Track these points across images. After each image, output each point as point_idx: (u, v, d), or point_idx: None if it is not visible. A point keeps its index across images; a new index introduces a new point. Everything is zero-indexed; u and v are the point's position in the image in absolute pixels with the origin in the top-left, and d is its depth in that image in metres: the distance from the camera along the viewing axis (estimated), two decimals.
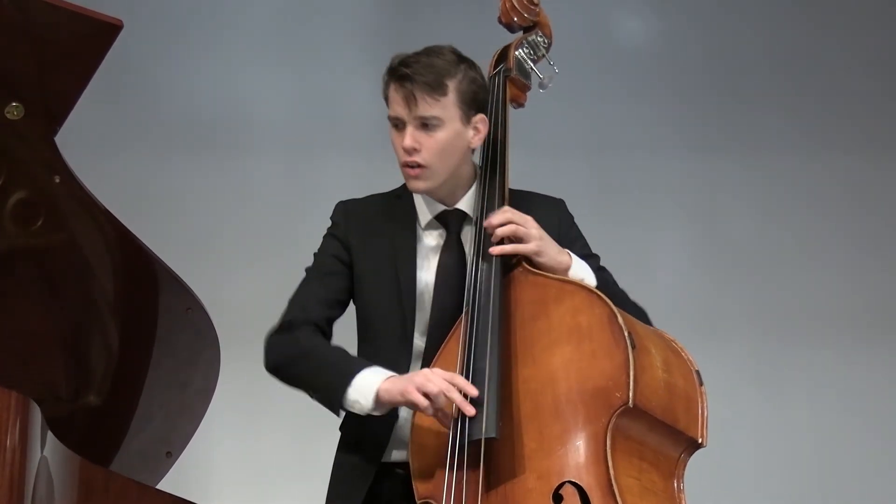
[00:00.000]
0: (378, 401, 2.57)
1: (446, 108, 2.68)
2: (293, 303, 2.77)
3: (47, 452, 2.47)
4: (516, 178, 2.84)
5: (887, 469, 4.79)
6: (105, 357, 3.04)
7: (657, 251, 4.92)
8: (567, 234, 2.79)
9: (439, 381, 2.50)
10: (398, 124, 2.71)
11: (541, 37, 2.95)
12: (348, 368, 2.61)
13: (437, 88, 2.66)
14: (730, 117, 5.02)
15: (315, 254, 2.84)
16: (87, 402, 3.01)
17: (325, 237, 2.85)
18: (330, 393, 2.62)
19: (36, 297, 2.92)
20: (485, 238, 2.68)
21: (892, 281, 4.94)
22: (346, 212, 2.84)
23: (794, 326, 4.88)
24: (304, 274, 2.83)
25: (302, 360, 2.68)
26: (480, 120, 2.74)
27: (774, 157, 5.00)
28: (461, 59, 2.73)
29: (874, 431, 4.83)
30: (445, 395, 2.49)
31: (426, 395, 2.50)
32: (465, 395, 2.49)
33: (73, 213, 2.85)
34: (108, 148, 4.67)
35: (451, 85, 2.68)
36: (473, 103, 2.72)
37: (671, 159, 4.98)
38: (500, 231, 2.66)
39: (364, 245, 2.79)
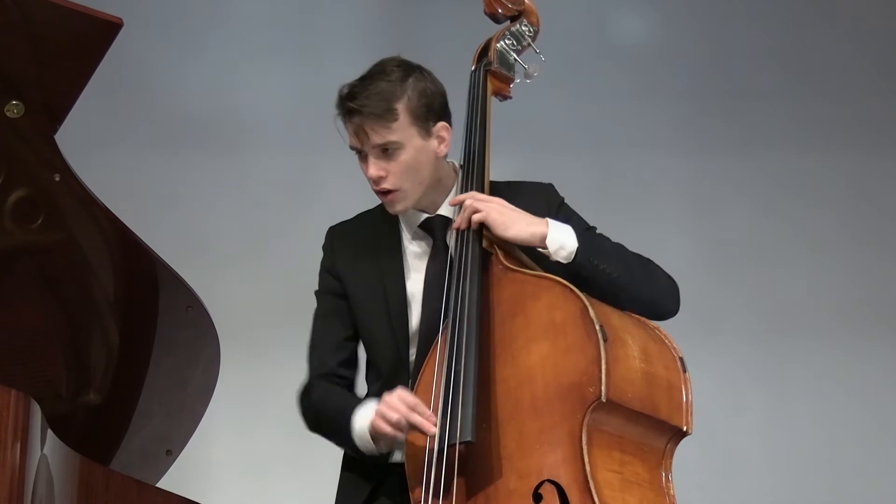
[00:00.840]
0: (376, 441, 2.61)
1: (400, 130, 2.64)
2: (309, 358, 2.80)
3: (47, 451, 2.47)
4: (515, 176, 2.83)
5: (890, 465, 4.79)
6: (105, 355, 3.04)
7: (658, 249, 4.86)
8: (556, 215, 2.72)
9: (398, 408, 2.51)
10: (360, 155, 2.69)
11: (526, 26, 2.86)
12: (346, 418, 2.64)
13: (386, 115, 2.62)
14: (731, 115, 5.01)
15: (315, 292, 2.85)
16: (87, 400, 3.01)
17: (319, 272, 2.85)
18: (350, 447, 2.68)
19: (36, 296, 2.92)
20: (464, 243, 2.65)
21: (894, 277, 4.93)
22: (333, 239, 2.85)
23: (797, 323, 4.88)
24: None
25: (320, 423, 2.76)
26: (442, 128, 2.70)
27: (775, 154, 4.99)
28: (408, 72, 2.68)
29: (877, 428, 4.82)
30: (407, 421, 2.50)
31: (391, 424, 2.51)
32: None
33: (73, 212, 2.85)
34: (108, 146, 4.66)
35: (401, 107, 2.64)
36: (430, 115, 2.68)
37: (672, 157, 4.97)
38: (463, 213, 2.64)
39: (351, 269, 2.79)
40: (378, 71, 2.68)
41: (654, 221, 4.94)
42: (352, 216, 2.91)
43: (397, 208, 2.72)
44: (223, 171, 4.86)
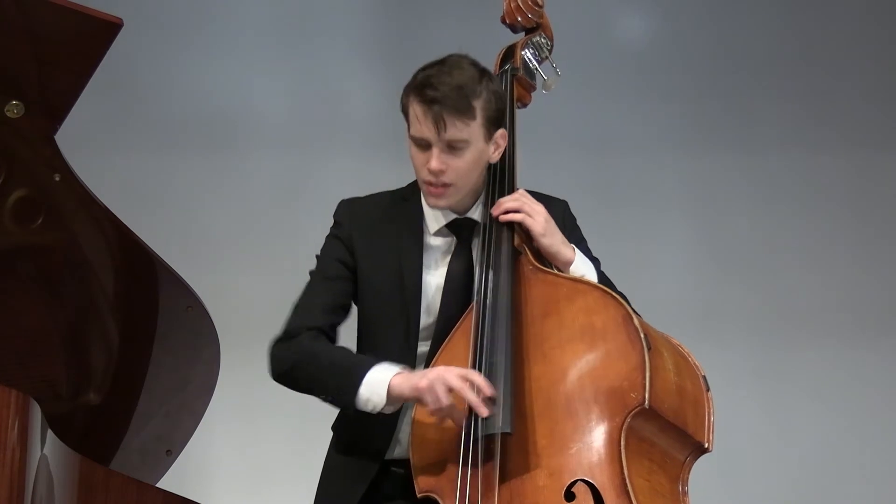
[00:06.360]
0: (390, 396, 2.54)
1: (474, 130, 2.60)
2: (297, 309, 2.71)
3: (47, 451, 2.47)
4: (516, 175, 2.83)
5: (889, 469, 4.79)
6: (105, 355, 3.05)
7: (658, 250, 4.92)
8: (570, 235, 2.75)
9: (454, 380, 2.46)
10: (422, 144, 2.62)
11: (544, 39, 2.94)
12: (358, 367, 2.57)
13: (467, 112, 2.58)
14: (732, 115, 5.02)
15: (318, 255, 2.78)
16: (87, 400, 3.01)
17: (328, 238, 2.79)
18: (341, 394, 2.58)
19: (36, 295, 2.92)
20: (494, 239, 2.66)
21: (893, 279, 4.93)
22: (350, 212, 2.78)
23: (795, 326, 4.88)
24: (305, 273, 2.81)
25: (309, 363, 2.63)
26: (501, 135, 2.69)
27: (776, 154, 5.00)
28: (482, 74, 2.64)
29: (875, 431, 4.83)
30: (460, 394, 2.45)
31: (437, 393, 2.46)
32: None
33: (73, 212, 2.85)
34: (108, 146, 4.67)
35: (479, 106, 2.60)
36: (497, 120, 2.66)
37: (672, 157, 4.98)
38: (506, 205, 2.66)
39: (369, 248, 2.74)
40: (454, 64, 2.62)
41: (655, 221, 4.95)
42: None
43: (442, 203, 2.68)
44: (224, 171, 4.86)
